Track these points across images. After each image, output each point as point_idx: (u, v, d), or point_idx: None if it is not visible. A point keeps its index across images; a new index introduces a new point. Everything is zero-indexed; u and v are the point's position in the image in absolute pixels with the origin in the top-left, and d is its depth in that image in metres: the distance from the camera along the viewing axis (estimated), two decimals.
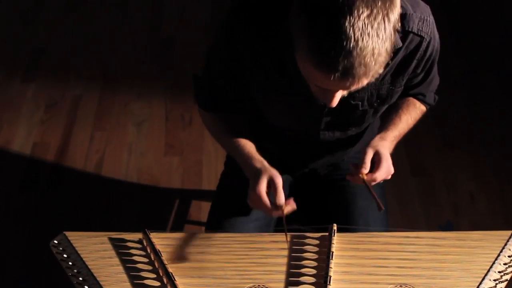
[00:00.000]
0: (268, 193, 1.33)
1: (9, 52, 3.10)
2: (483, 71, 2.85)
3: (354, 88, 1.15)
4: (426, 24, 1.33)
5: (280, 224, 1.54)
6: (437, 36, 1.37)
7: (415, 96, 1.51)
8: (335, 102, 1.22)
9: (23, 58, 3.05)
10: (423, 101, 1.52)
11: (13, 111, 2.77)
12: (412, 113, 1.49)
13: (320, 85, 1.17)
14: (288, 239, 1.30)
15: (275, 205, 1.31)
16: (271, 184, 1.33)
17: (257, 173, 1.35)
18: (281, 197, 1.31)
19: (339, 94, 1.21)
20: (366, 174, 1.33)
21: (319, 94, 1.23)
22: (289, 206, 1.32)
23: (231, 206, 1.54)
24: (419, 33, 1.32)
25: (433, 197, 2.33)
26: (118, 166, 2.51)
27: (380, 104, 1.43)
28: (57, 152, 2.57)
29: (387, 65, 1.14)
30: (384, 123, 1.47)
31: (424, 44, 1.34)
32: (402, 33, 1.29)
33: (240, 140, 1.45)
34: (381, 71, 1.13)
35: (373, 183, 1.35)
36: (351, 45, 1.05)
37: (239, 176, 1.59)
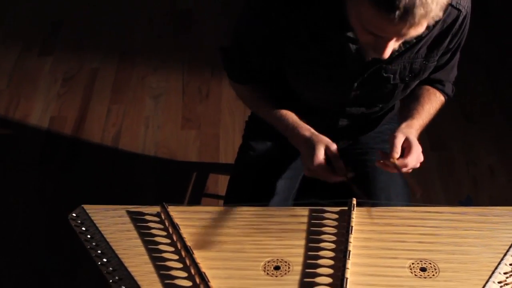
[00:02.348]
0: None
1: (27, 26, 3.09)
2: (503, 44, 2.80)
3: (411, 33, 1.12)
4: None
5: (299, 198, 1.53)
6: (470, 11, 1.34)
7: (434, 85, 1.48)
8: (387, 52, 1.18)
9: (41, 32, 3.05)
10: (442, 91, 1.49)
11: (31, 85, 2.77)
12: (434, 102, 1.47)
13: (375, 30, 1.14)
14: (305, 212, 1.29)
15: (335, 172, 1.32)
16: (328, 153, 1.33)
17: (310, 142, 1.34)
18: (341, 164, 1.32)
19: (392, 45, 1.17)
20: (397, 159, 1.31)
21: (371, 44, 1.19)
22: (351, 173, 1.33)
23: (249, 180, 1.53)
24: (457, 6, 1.29)
25: (453, 172, 2.31)
26: (135, 139, 2.51)
27: (411, 78, 1.40)
28: (75, 125, 2.58)
29: (422, 38, 1.10)
30: (408, 112, 1.44)
31: (461, 18, 1.32)
32: None
33: (281, 110, 1.44)
34: (441, 14, 1.10)
35: (404, 170, 1.32)
36: None
37: (257, 149, 1.58)
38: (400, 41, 1.19)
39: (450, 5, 1.28)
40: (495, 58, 2.74)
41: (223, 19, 2.95)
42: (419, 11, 1.06)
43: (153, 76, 2.77)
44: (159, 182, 2.34)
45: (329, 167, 1.32)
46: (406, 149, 1.32)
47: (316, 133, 1.37)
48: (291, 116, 1.42)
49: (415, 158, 1.32)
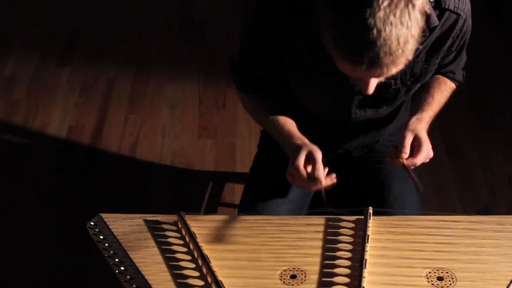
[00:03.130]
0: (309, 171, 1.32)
1: (44, 36, 3.13)
2: None
3: (385, 76, 1.13)
4: (463, 1, 1.31)
5: (313, 207, 1.54)
6: (470, 13, 1.34)
7: (445, 74, 1.49)
8: (370, 89, 1.20)
9: (58, 43, 3.08)
10: (452, 78, 1.50)
11: (49, 95, 2.80)
12: (444, 91, 1.47)
13: (350, 75, 1.16)
14: (322, 221, 1.29)
15: (314, 180, 1.30)
16: (310, 158, 1.32)
17: (297, 148, 1.34)
18: (320, 169, 1.30)
19: (374, 82, 1.19)
20: (406, 158, 1.32)
21: (354, 81, 1.22)
22: (329, 180, 1.32)
23: (264, 188, 1.54)
24: (455, 11, 1.30)
25: (470, 181, 2.29)
26: (152, 148, 2.52)
27: (413, 82, 1.41)
28: (92, 135, 2.60)
29: (422, 43, 1.12)
30: (418, 103, 1.45)
31: (461, 22, 1.32)
32: (438, 10, 1.27)
33: (280, 119, 1.44)
34: (410, 57, 1.11)
35: (413, 167, 1.33)
36: (374, 36, 1.03)
37: (272, 158, 1.59)
38: (381, 78, 1.19)
39: (448, 10, 1.28)
40: (511, 63, 2.72)
41: (238, 30, 2.96)
42: (385, 61, 1.07)
43: (170, 86, 2.79)
44: (176, 191, 2.35)
45: (305, 172, 1.31)
46: (416, 147, 1.32)
47: (307, 141, 1.37)
48: (288, 125, 1.43)
49: (424, 156, 1.33)
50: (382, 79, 1.20)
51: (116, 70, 2.89)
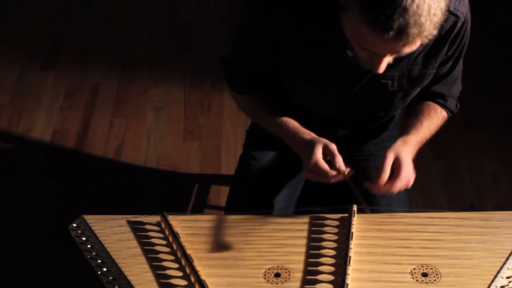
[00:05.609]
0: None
1: (29, 41, 3.11)
2: (505, 51, 2.79)
3: (406, 50, 1.12)
4: (463, 4, 1.30)
5: (299, 206, 1.53)
6: (469, 19, 1.34)
7: (436, 99, 1.47)
8: (382, 67, 1.19)
9: (43, 47, 3.06)
10: (444, 106, 1.47)
11: (33, 99, 2.78)
12: (434, 118, 1.44)
13: (370, 47, 1.14)
14: (306, 219, 1.29)
15: (336, 171, 1.30)
16: (327, 151, 1.31)
17: (310, 144, 1.33)
18: (339, 160, 1.30)
19: (387, 60, 1.18)
20: (385, 184, 1.28)
21: (366, 59, 1.20)
22: (349, 170, 1.31)
23: (250, 188, 1.53)
24: (455, 12, 1.29)
25: (456, 180, 2.30)
26: (137, 152, 2.51)
27: (410, 86, 1.39)
28: (77, 139, 2.58)
29: (420, 44, 1.11)
30: (405, 128, 1.42)
31: (459, 25, 1.31)
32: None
33: (282, 117, 1.42)
34: (435, 32, 1.10)
35: (392, 192, 1.30)
36: (407, 3, 1.03)
37: (258, 158, 1.58)
38: (395, 57, 1.19)
39: (447, 11, 1.27)
40: (497, 65, 2.74)
41: (224, 32, 2.96)
42: (413, 30, 1.06)
43: (155, 89, 2.78)
44: (162, 194, 2.34)
45: (327, 166, 1.30)
46: (396, 170, 1.29)
47: (316, 136, 1.36)
48: (291, 122, 1.41)
49: (405, 180, 1.29)
50: (391, 60, 1.18)
51: (101, 74, 2.88)
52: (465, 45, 1.38)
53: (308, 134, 1.37)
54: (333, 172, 1.30)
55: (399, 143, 1.34)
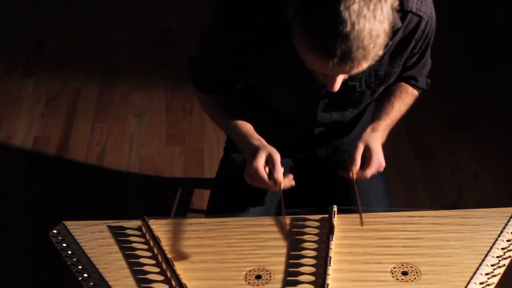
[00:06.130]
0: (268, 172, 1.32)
1: (9, 47, 3.09)
2: (484, 51, 2.82)
3: (354, 72, 1.13)
4: (425, 4, 1.31)
5: (280, 207, 1.53)
6: (434, 16, 1.35)
7: (408, 81, 1.49)
8: (336, 86, 1.20)
9: (23, 53, 3.04)
10: (415, 86, 1.50)
11: (14, 106, 2.76)
12: (405, 99, 1.48)
13: (319, 70, 1.16)
14: (287, 221, 1.30)
15: (274, 181, 1.30)
16: (269, 160, 1.32)
17: (255, 150, 1.34)
18: (279, 171, 1.30)
19: (340, 78, 1.19)
20: (357, 172, 1.33)
21: (320, 78, 1.22)
22: (287, 181, 1.32)
23: (231, 191, 1.53)
24: (418, 13, 1.30)
25: (437, 179, 2.31)
26: (120, 157, 2.50)
27: (378, 85, 1.41)
28: (59, 145, 2.57)
29: (385, 45, 1.12)
30: (377, 112, 1.45)
31: (423, 24, 1.32)
32: (401, 13, 1.27)
33: (237, 121, 1.44)
34: (381, 52, 1.11)
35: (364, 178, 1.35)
36: (348, 29, 1.03)
37: (238, 161, 1.58)
38: (347, 75, 1.19)
39: (410, 12, 1.29)
40: (476, 65, 2.76)
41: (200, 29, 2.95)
42: (357, 55, 1.06)
43: (136, 94, 2.77)
44: (145, 199, 2.33)
45: (266, 174, 1.31)
46: (367, 158, 1.34)
47: (265, 143, 1.36)
48: (245, 126, 1.42)
49: (375, 167, 1.34)
50: (346, 76, 1.19)
51: (82, 79, 2.87)
52: (430, 40, 1.40)
53: (258, 140, 1.38)
54: (271, 182, 1.31)
55: (369, 131, 1.39)
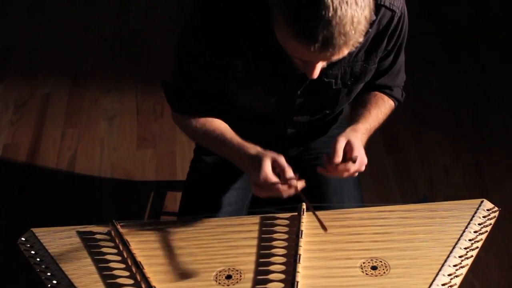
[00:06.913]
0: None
1: None
2: (452, 45, 2.85)
3: (335, 58, 1.14)
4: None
5: (253, 206, 1.53)
6: (406, 14, 1.36)
7: (383, 90, 1.49)
8: (316, 73, 1.20)
9: None
10: (390, 95, 1.49)
11: None
12: (382, 107, 1.46)
13: (300, 57, 1.15)
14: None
15: (288, 184, 1.24)
16: (275, 165, 1.26)
17: (257, 158, 1.27)
18: (291, 174, 1.25)
19: (320, 65, 1.19)
20: (339, 164, 1.27)
21: (300, 65, 1.21)
22: (301, 182, 1.26)
23: (202, 192, 1.53)
24: (390, 7, 1.31)
25: (408, 174, 2.33)
26: (91, 162, 2.48)
27: (353, 82, 1.41)
28: (29, 152, 2.53)
29: (366, 33, 1.12)
30: (354, 117, 1.43)
31: (396, 19, 1.33)
32: (374, 7, 1.28)
33: (226, 136, 1.38)
34: (361, 39, 1.11)
35: (346, 175, 1.29)
36: (330, 14, 1.04)
37: (208, 162, 1.58)
38: (327, 62, 1.20)
39: (383, 6, 1.29)
40: (444, 59, 2.79)
41: (175, 38, 2.94)
42: (338, 41, 1.07)
43: (107, 98, 2.75)
44: (117, 204, 2.31)
45: (278, 180, 1.25)
46: (348, 153, 1.29)
47: (262, 150, 1.31)
48: (236, 138, 1.37)
49: (358, 163, 1.29)
50: (325, 64, 1.19)
51: (51, 85, 2.83)
52: (404, 38, 1.40)
53: (253, 148, 1.32)
54: (285, 186, 1.25)
55: (349, 130, 1.36)
